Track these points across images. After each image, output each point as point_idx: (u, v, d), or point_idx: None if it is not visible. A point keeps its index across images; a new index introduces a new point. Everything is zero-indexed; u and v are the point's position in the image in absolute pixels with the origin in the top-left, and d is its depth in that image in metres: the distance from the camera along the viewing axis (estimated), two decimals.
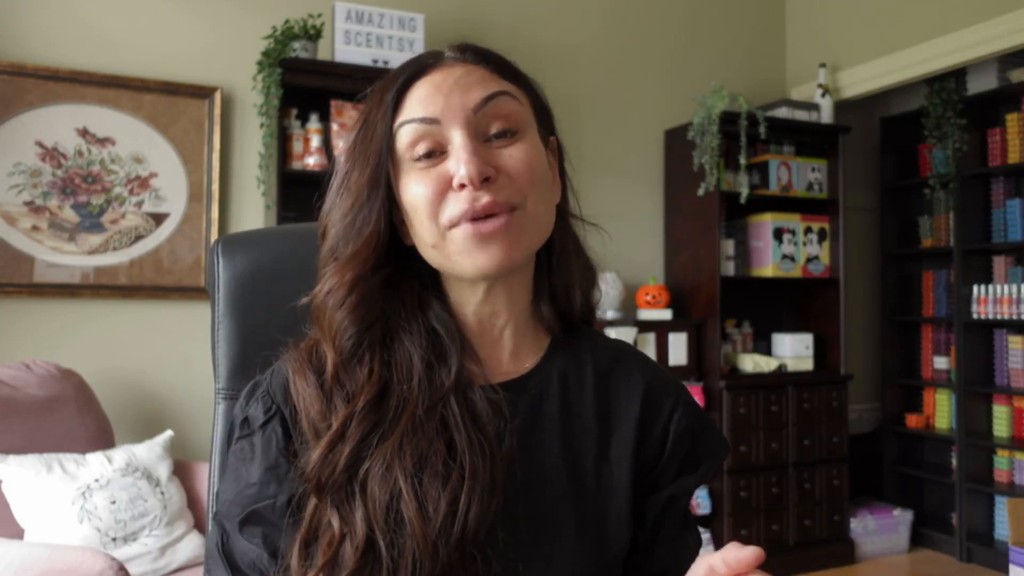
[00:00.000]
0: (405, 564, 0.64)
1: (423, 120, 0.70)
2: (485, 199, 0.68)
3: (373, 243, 0.71)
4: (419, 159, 0.71)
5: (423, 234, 0.72)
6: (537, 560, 0.70)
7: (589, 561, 0.72)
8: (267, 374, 0.75)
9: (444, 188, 0.70)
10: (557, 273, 0.79)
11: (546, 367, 0.78)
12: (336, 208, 0.74)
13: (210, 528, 0.74)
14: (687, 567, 0.67)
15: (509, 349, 0.77)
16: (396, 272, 0.74)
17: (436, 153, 0.70)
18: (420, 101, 0.71)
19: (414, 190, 0.71)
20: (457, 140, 0.69)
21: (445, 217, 0.70)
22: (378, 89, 0.74)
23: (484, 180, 0.68)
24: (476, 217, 0.69)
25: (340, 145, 2.90)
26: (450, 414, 0.70)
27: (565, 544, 0.71)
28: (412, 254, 0.75)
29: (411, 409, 0.69)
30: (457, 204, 0.69)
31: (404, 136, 0.71)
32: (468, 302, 0.76)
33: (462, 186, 0.68)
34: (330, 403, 0.70)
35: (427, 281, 0.76)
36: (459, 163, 0.68)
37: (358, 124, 0.74)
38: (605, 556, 0.74)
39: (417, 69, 0.73)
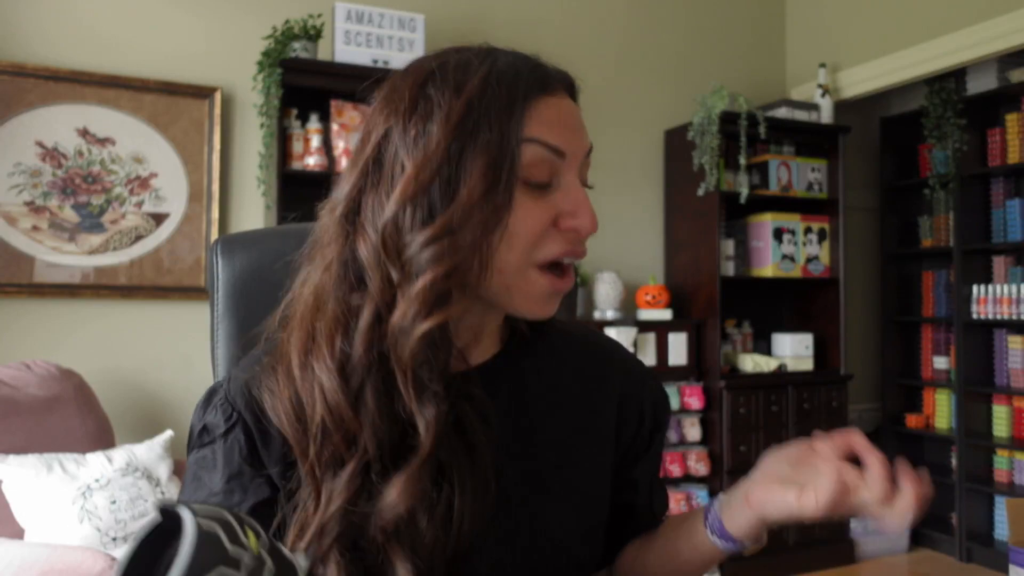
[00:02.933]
0: (397, 572, 0.64)
1: (553, 149, 0.66)
2: (581, 248, 0.69)
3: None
4: (530, 182, 0.66)
5: (504, 260, 0.65)
6: (527, 543, 0.72)
7: (578, 535, 0.75)
8: (224, 380, 0.73)
9: (550, 223, 0.67)
10: None
11: (518, 351, 0.78)
12: (463, 214, 0.63)
13: None
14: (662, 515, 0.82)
15: (483, 335, 0.76)
16: None
17: (549, 184, 0.68)
18: (550, 125, 0.66)
19: (521, 215, 0.65)
20: (573, 183, 0.68)
21: (540, 254, 0.67)
22: (492, 81, 0.65)
23: None
24: (564, 261, 0.68)
25: (340, 146, 2.91)
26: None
27: (552, 523, 0.74)
28: None
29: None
30: (558, 244, 0.68)
31: (527, 153, 0.65)
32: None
33: (570, 228, 0.68)
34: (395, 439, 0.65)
35: None
36: (581, 210, 0.67)
37: (462, 110, 0.64)
38: (592, 528, 0.77)
39: (541, 83, 0.68)
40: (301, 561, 0.53)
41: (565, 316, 0.91)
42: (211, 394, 0.73)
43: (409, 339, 0.63)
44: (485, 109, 0.64)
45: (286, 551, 0.52)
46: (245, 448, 0.69)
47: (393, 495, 0.62)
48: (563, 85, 0.71)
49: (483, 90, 0.64)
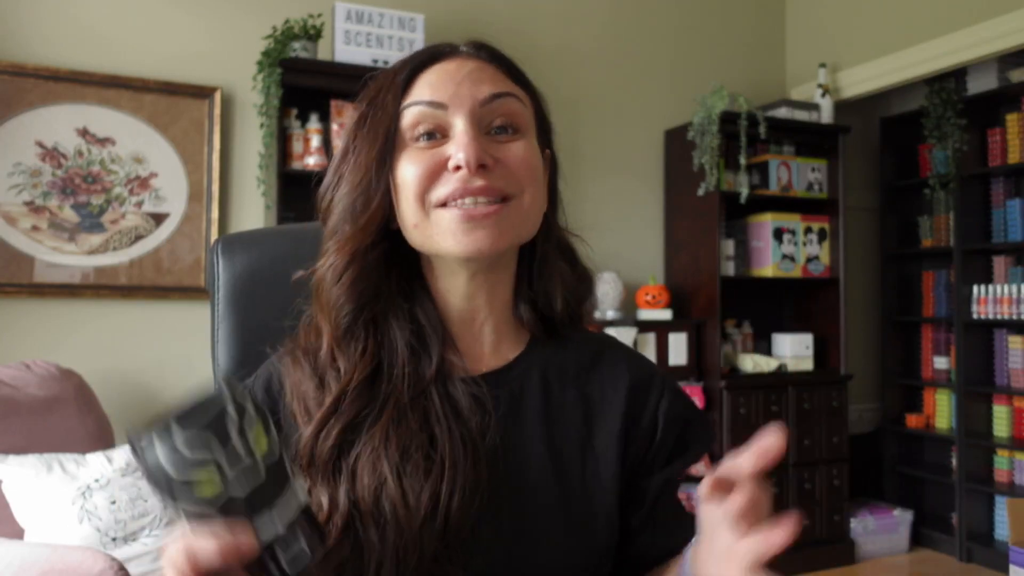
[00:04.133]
0: (389, 553, 0.65)
1: (430, 103, 0.71)
2: (479, 183, 0.69)
3: (377, 219, 0.72)
4: (419, 139, 0.72)
5: (407, 213, 0.72)
6: (521, 551, 0.71)
7: (574, 551, 0.73)
8: (255, 374, 0.77)
9: (438, 169, 0.70)
10: (538, 279, 0.80)
11: (526, 361, 0.79)
12: (343, 183, 0.74)
13: None
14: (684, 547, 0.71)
15: (490, 343, 0.78)
16: (389, 253, 0.75)
17: (437, 136, 0.71)
18: (430, 85, 0.72)
19: (407, 168, 0.71)
20: (460, 126, 0.70)
21: (434, 196, 0.71)
22: (390, 71, 0.75)
23: (480, 167, 0.69)
24: (466, 201, 0.69)
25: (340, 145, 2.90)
26: (432, 406, 0.71)
27: (549, 534, 0.73)
28: (401, 239, 0.76)
29: (396, 397, 0.71)
30: (449, 184, 0.70)
31: (408, 116, 0.72)
32: (450, 291, 0.76)
33: (457, 168, 0.69)
34: (323, 385, 0.71)
35: (414, 268, 0.77)
36: (459, 147, 0.69)
37: (365, 102, 0.75)
38: (591, 545, 0.75)
39: (431, 55, 0.74)
40: (300, 494, 0.54)
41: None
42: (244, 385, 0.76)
43: (324, 286, 0.73)
44: (379, 96, 0.74)
45: (291, 472, 0.54)
46: None
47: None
48: (462, 51, 0.75)
49: (381, 83, 0.75)
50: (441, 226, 0.71)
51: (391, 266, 0.75)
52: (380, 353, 0.72)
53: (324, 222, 0.76)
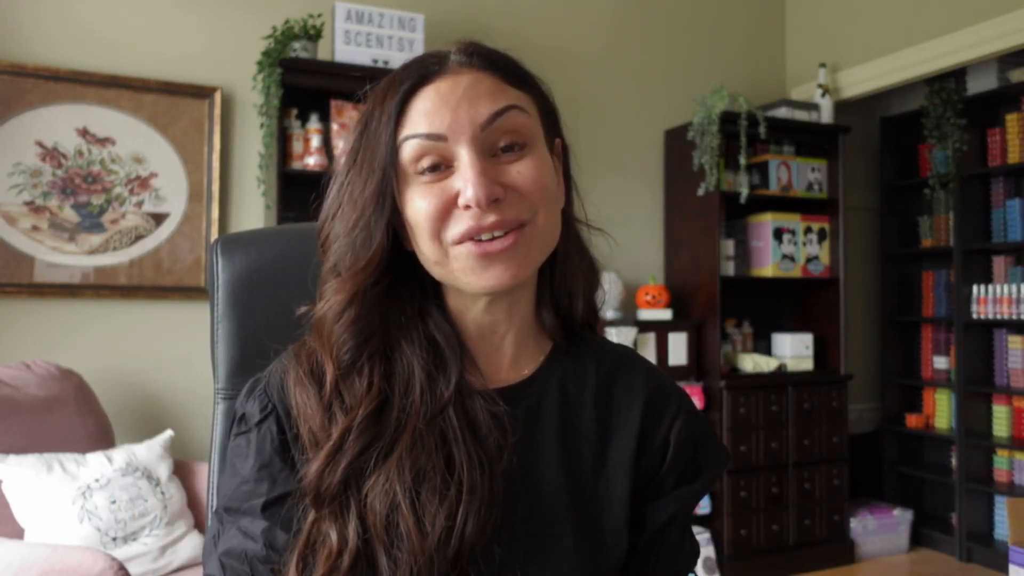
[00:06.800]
0: None
1: (429, 136, 0.68)
2: (492, 218, 0.67)
3: (377, 259, 0.70)
4: (423, 173, 0.69)
5: (425, 251, 0.70)
6: (533, 570, 0.70)
7: (585, 569, 0.72)
8: (267, 371, 0.75)
9: (449, 205, 0.68)
10: (560, 279, 0.78)
11: (545, 374, 0.77)
12: (339, 220, 0.72)
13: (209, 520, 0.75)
14: (685, 575, 0.71)
15: (509, 356, 0.77)
16: (397, 280, 0.73)
17: (441, 167, 0.69)
18: (426, 114, 0.68)
19: (417, 205, 0.69)
20: (464, 158, 0.67)
21: (449, 235, 0.68)
22: (379, 93, 0.72)
23: (492, 201, 0.67)
24: (482, 236, 0.67)
25: (340, 146, 2.90)
26: (449, 427, 0.70)
27: (561, 553, 0.71)
28: (414, 259, 0.74)
29: (412, 422, 0.69)
30: (462, 223, 0.68)
31: (408, 150, 0.69)
32: (469, 311, 0.75)
33: (463, 205, 0.67)
34: (331, 416, 0.69)
35: (428, 287, 0.75)
36: (466, 183, 0.66)
37: (359, 129, 0.72)
38: (601, 564, 0.74)
39: (421, 75, 0.70)
40: None
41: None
42: (255, 383, 0.75)
43: (325, 325, 0.71)
44: (372, 124, 0.71)
45: None
46: (276, 440, 0.71)
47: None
48: (453, 63, 0.71)
49: (372, 107, 0.72)
50: (460, 262, 0.69)
51: (402, 292, 0.73)
52: (388, 386, 0.70)
53: (324, 256, 0.73)
